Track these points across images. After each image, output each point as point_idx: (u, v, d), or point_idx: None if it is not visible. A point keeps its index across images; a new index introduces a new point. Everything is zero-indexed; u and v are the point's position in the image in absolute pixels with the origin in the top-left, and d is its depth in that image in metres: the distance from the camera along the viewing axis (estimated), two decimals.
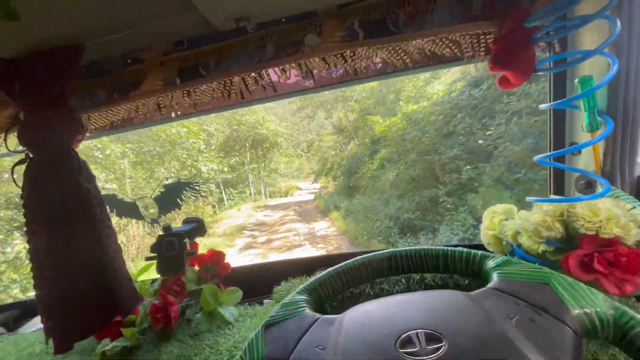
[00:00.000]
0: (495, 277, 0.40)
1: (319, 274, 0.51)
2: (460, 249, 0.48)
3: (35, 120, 0.67)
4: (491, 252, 0.47)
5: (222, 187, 14.74)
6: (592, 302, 0.34)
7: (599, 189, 0.64)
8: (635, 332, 0.31)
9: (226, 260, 0.93)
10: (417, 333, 0.34)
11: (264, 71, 0.77)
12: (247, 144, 16.43)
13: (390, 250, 0.51)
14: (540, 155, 0.72)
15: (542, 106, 0.71)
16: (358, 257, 0.51)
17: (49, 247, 0.65)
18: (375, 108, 11.61)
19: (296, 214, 11.65)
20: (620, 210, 0.58)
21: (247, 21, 0.70)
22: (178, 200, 1.04)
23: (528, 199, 0.73)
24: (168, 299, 0.77)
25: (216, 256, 0.93)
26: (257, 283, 1.01)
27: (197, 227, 0.98)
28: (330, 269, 0.50)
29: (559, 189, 0.78)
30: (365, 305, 0.41)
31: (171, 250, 0.86)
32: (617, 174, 0.65)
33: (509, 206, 0.80)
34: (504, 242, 0.77)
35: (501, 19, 0.62)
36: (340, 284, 0.49)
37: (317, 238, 8.01)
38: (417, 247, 0.50)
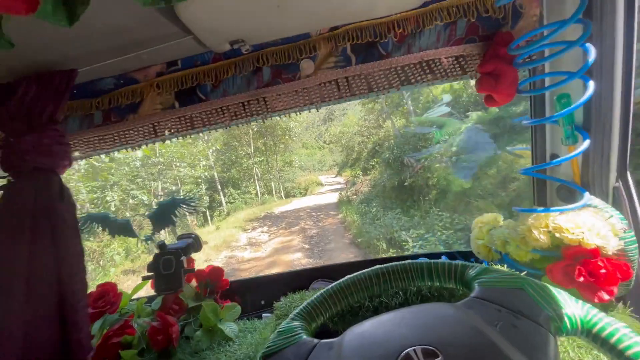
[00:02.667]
0: (476, 286, 0.43)
1: (317, 289, 0.52)
2: (442, 261, 0.51)
3: (20, 145, 0.64)
4: (472, 261, 0.49)
5: (219, 187, 12.99)
6: (561, 304, 0.38)
7: (579, 198, 0.69)
8: (599, 327, 0.35)
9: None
10: (414, 350, 0.35)
11: (261, 97, 0.77)
12: (251, 131, 13.93)
13: (377, 267, 0.53)
14: (524, 168, 0.76)
15: (525, 122, 0.75)
16: (347, 277, 0.53)
17: (10, 277, 0.58)
18: None
19: (304, 245, 7.01)
20: (600, 220, 0.62)
21: (242, 43, 0.71)
22: (173, 217, 1.04)
23: (514, 208, 0.77)
24: (168, 319, 0.77)
25: (215, 272, 0.93)
26: (253, 296, 1.02)
27: (193, 243, 0.98)
28: (321, 290, 0.51)
29: (542, 198, 0.82)
30: (360, 326, 0.41)
31: (168, 269, 0.86)
32: (594, 184, 0.70)
33: (494, 215, 0.84)
34: (492, 250, 0.80)
35: (485, 42, 0.66)
36: (332, 304, 0.51)
37: None
38: (402, 262, 0.52)
